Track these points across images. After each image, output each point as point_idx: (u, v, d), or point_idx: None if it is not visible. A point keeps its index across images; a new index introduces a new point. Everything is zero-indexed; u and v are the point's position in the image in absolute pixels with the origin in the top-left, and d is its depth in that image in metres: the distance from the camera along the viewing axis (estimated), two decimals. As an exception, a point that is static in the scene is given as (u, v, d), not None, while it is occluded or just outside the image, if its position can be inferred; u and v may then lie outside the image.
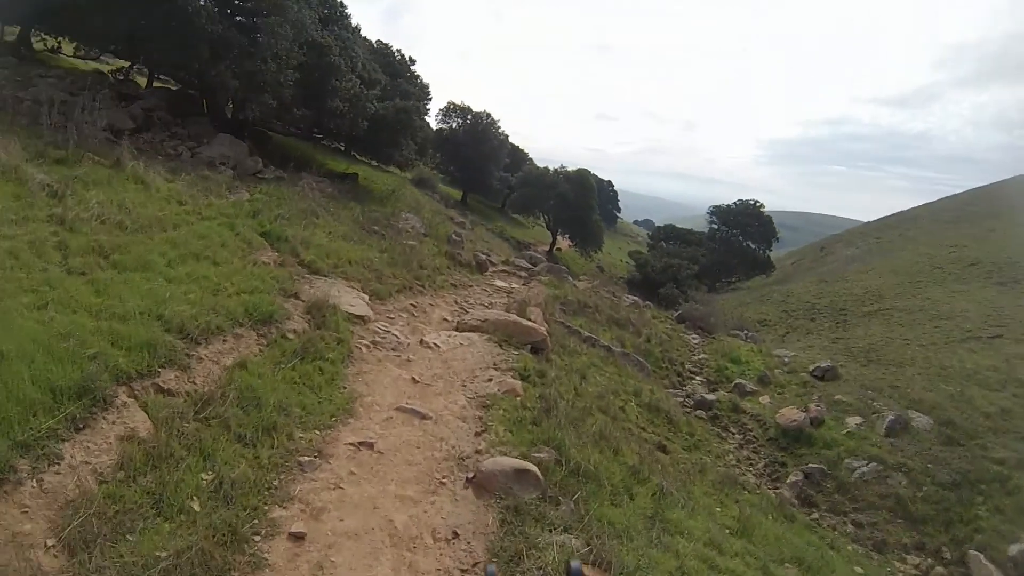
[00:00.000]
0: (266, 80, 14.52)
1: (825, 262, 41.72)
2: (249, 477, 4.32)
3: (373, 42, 29.63)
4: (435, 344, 8.26)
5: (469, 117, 37.27)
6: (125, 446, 4.14)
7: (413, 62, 32.66)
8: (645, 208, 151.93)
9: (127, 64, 17.53)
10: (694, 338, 18.01)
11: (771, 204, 42.88)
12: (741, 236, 41.16)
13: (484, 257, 16.10)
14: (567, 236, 36.76)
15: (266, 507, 4.20)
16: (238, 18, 15.11)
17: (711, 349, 17.07)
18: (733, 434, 12.22)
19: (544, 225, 38.18)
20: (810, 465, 11.08)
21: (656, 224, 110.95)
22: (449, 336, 8.67)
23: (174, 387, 4.98)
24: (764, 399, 13.95)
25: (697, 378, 15.14)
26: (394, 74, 25.42)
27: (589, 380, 9.40)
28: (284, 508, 4.27)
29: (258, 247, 9.24)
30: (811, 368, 15.27)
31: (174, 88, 19.41)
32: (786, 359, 16.22)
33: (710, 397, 12.95)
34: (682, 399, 13.02)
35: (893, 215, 49.35)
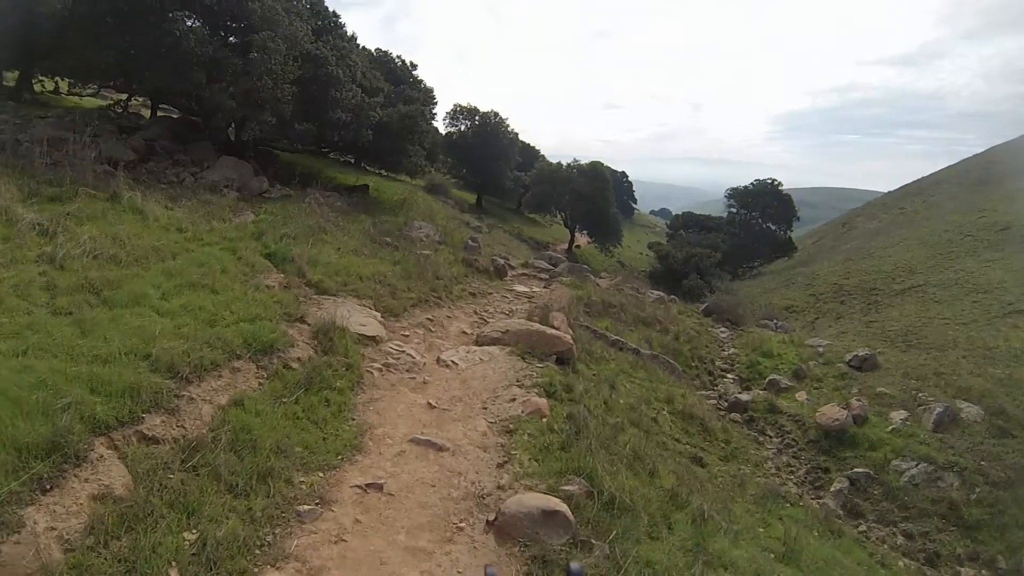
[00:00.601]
0: (263, 97, 14.12)
1: (849, 238, 40.32)
2: (238, 534, 3.79)
3: (372, 51, 29.25)
4: (453, 362, 7.71)
5: (477, 118, 36.70)
6: (97, 506, 3.64)
7: (415, 67, 32.21)
8: (661, 196, 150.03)
9: (125, 96, 17.26)
10: (722, 332, 17.24)
11: (786, 181, 41.71)
12: (761, 218, 40.10)
13: (502, 262, 15.52)
14: (585, 232, 36.03)
15: (256, 569, 3.68)
16: (231, 38, 14.72)
17: (741, 343, 16.29)
18: (771, 438, 11.48)
19: (561, 223, 37.49)
20: (855, 470, 10.31)
21: (672, 212, 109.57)
22: (468, 352, 8.11)
23: (160, 434, 4.47)
24: (801, 396, 13.17)
25: (729, 376, 14.40)
26: (397, 81, 24.97)
27: (619, 390, 8.76)
28: (278, 569, 3.74)
29: (262, 270, 8.79)
30: (847, 358, 14.43)
31: (176, 116, 19.21)
32: (820, 349, 15.38)
33: (744, 397, 12.22)
34: (715, 401, 12.31)
35: (913, 182, 47.58)
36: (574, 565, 1.62)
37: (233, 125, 16.58)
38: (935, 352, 14.99)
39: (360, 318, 8.08)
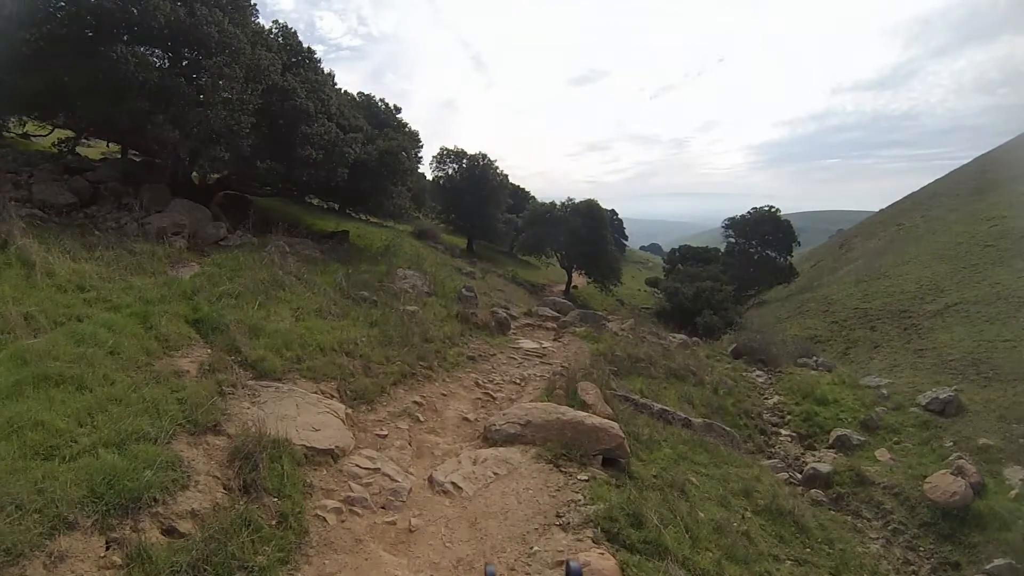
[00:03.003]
0: (215, 129, 11.55)
1: (849, 259, 37.91)
2: None
3: (355, 94, 27.05)
4: (454, 485, 4.85)
5: (464, 161, 34.35)
6: None
7: (399, 110, 29.96)
8: (649, 232, 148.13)
9: (72, 135, 14.70)
10: (758, 375, 14.45)
11: (773, 208, 39.56)
12: (760, 246, 37.75)
13: (504, 314, 12.76)
14: (583, 272, 33.40)
15: None
16: (183, 63, 12.24)
17: (784, 388, 13.49)
18: (868, 521, 8.60)
19: (557, 263, 34.88)
20: (995, 562, 7.47)
21: (662, 247, 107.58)
22: (474, 462, 5.27)
23: None
24: (882, 455, 10.33)
25: (783, 432, 11.56)
26: (380, 124, 22.51)
27: (692, 496, 5.92)
28: None
29: (180, 345, 6.03)
30: (923, 401, 11.65)
31: (139, 158, 16.63)
32: (883, 391, 12.60)
33: (823, 468, 9.35)
34: (786, 474, 9.44)
35: (906, 198, 45.53)
36: (574, 564, 1.46)
37: (181, 161, 13.92)
38: (1021, 384, 12.22)
39: (313, 417, 5.25)
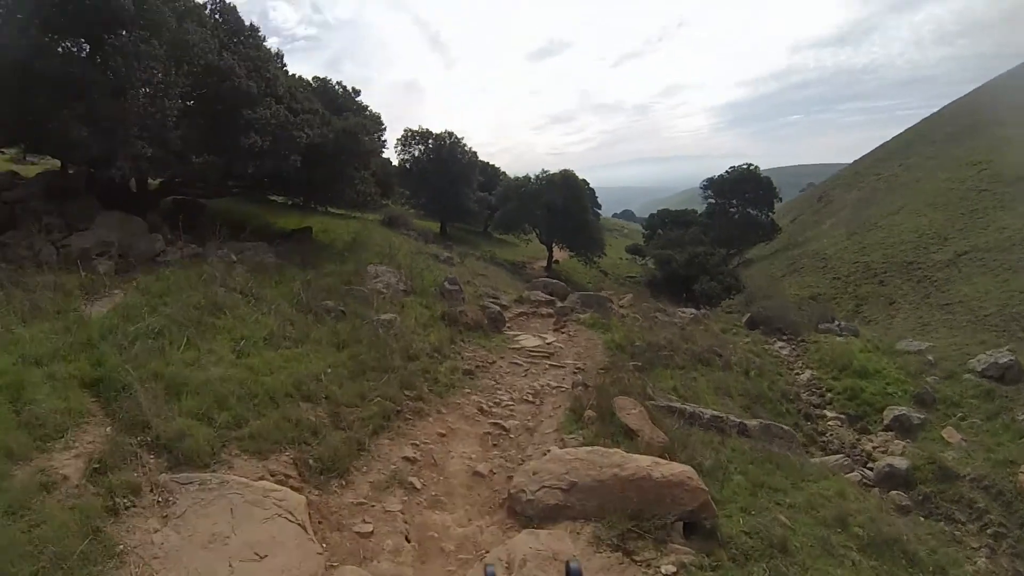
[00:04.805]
0: (134, 121, 9.40)
1: (831, 212, 36.87)
2: None
3: (310, 79, 24.61)
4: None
5: (431, 141, 31.93)
6: None
7: (358, 93, 27.49)
8: (619, 200, 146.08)
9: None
10: (781, 347, 12.93)
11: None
12: (741, 205, 36.43)
13: (496, 307, 10.93)
14: (563, 247, 31.56)
15: None
16: (86, 46, 9.95)
17: (814, 360, 11.98)
18: (963, 525, 7.09)
19: (536, 239, 32.96)
20: None
21: (634, 213, 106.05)
22: (509, 568, 3.46)
23: None
24: (950, 435, 8.86)
25: (829, 414, 10.03)
26: (338, 109, 20.08)
27: (796, 553, 4.27)
28: None
29: (64, 428, 4.10)
30: (978, 367, 10.21)
31: (73, 171, 14.20)
32: (928, 356, 11.15)
33: (900, 464, 7.78)
34: (858, 474, 7.87)
35: (879, 147, 44.63)
36: (573, 564, 1.38)
37: (119, 167, 11.60)
38: (1076, 339, 10.89)
39: (256, 532, 3.38)
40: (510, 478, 4.90)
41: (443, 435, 5.63)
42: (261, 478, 3.97)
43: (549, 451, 5.15)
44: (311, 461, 4.39)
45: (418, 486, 4.58)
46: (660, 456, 5.27)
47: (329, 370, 5.87)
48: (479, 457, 5.33)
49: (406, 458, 4.93)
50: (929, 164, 32.63)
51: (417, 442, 5.31)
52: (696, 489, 4.08)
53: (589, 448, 4.52)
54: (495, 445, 5.67)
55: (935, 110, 46.19)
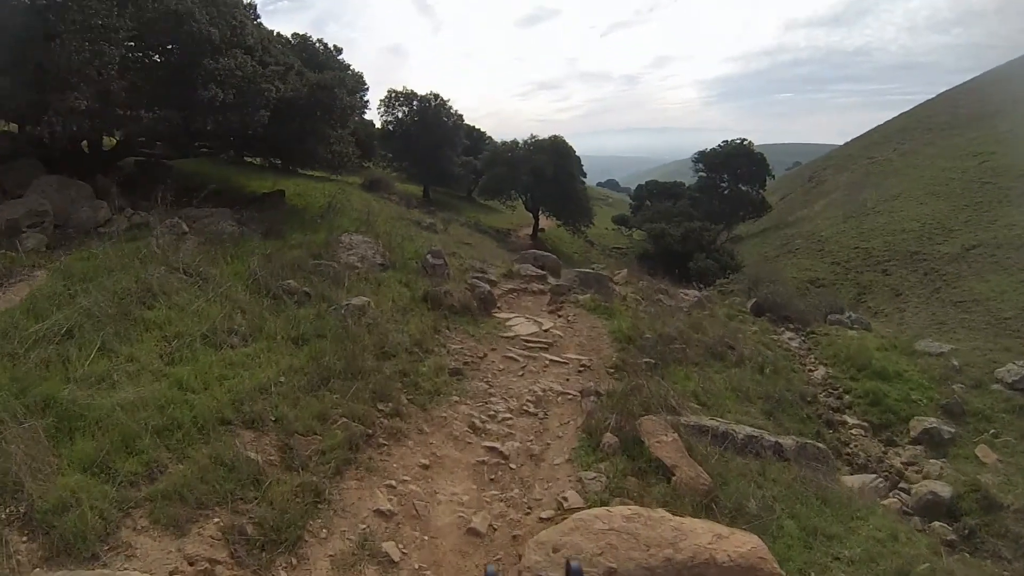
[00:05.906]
0: (68, 70, 7.84)
1: (823, 192, 36.01)
2: None
3: (289, 36, 22.60)
4: None
5: (415, 103, 30.10)
6: None
7: (339, 51, 25.57)
8: (604, 169, 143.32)
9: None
10: (790, 338, 11.94)
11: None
12: (732, 179, 35.38)
13: (485, 286, 9.66)
14: (550, 215, 30.28)
15: None
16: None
17: (826, 355, 11.02)
18: (1010, 563, 6.15)
19: (522, 206, 31.57)
20: None
21: (619, 182, 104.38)
22: None
23: None
24: (985, 454, 7.94)
25: (849, 420, 9.07)
26: (318, 67, 18.24)
27: None
28: None
29: None
30: (1010, 379, 9.30)
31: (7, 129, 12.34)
32: (953, 362, 10.20)
33: (943, 492, 6.78)
34: (896, 500, 6.89)
35: (873, 130, 43.75)
36: (573, 564, 1.29)
37: (55, 122, 9.89)
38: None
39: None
40: (515, 537, 3.74)
41: (426, 467, 4.42)
42: (174, 572, 2.73)
43: (566, 499, 4.00)
44: (249, 528, 3.15)
45: (395, 557, 3.37)
46: (703, 497, 4.20)
47: (282, 379, 4.60)
48: (473, 501, 4.15)
49: (379, 511, 3.71)
50: (927, 151, 31.75)
51: (393, 482, 4.09)
52: (772, 575, 2.97)
53: (629, 511, 3.34)
54: (492, 479, 4.49)
55: (930, 96, 45.31)
